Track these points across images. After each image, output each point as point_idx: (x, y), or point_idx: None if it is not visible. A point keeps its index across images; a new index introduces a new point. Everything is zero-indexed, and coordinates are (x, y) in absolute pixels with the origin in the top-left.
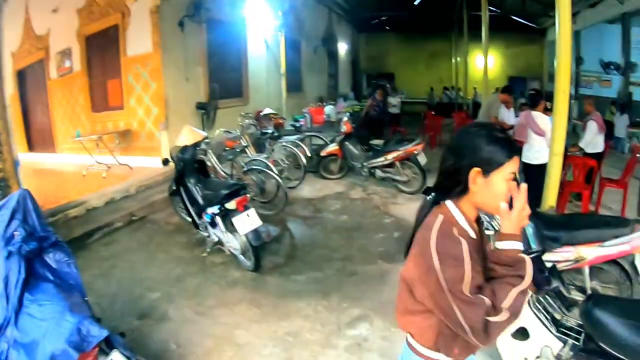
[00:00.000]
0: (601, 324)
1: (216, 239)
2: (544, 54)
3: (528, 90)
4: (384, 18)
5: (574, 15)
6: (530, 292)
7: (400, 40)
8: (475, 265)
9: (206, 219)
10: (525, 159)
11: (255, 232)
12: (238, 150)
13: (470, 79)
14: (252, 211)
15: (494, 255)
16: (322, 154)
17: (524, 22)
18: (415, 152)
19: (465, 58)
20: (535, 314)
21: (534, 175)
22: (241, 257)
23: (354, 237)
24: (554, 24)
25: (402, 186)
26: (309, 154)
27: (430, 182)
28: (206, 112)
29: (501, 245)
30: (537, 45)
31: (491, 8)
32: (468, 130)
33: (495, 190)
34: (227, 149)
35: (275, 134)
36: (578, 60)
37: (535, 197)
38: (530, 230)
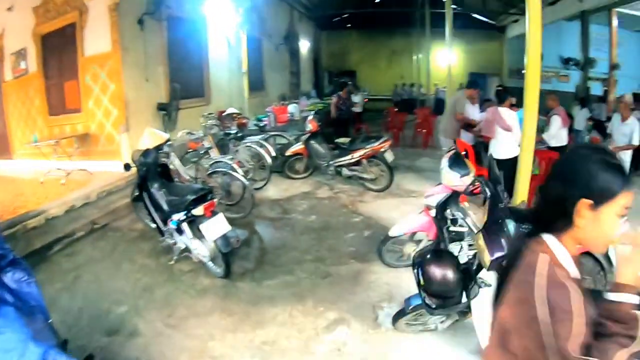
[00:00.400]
0: None
1: (183, 246)
2: (504, 50)
3: (494, 86)
4: (345, 16)
5: None
6: None
7: (361, 37)
8: (586, 318)
9: (172, 225)
10: (493, 154)
11: (225, 238)
12: (201, 152)
13: (432, 75)
14: (220, 216)
15: (605, 308)
16: (288, 153)
17: (484, 19)
18: (382, 149)
19: (427, 55)
20: None
21: (500, 169)
22: (210, 264)
23: (324, 238)
24: (513, 22)
25: (369, 184)
26: (273, 154)
27: (398, 179)
28: (167, 113)
29: (616, 297)
30: (497, 42)
31: (453, 6)
32: (579, 153)
33: (604, 227)
34: (190, 150)
35: (239, 134)
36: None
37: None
38: (512, 229)
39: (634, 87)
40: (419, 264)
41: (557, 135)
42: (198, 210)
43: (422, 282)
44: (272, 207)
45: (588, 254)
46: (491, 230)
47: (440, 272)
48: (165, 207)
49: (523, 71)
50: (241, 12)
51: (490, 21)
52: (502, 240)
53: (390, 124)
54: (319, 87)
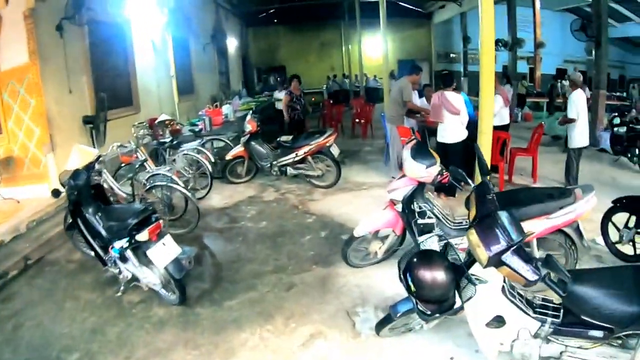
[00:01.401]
0: (583, 297)
1: (130, 276)
2: (431, 36)
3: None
4: (272, 11)
5: None
6: (504, 281)
7: (290, 32)
8: None
9: (114, 253)
10: (441, 139)
11: (176, 261)
12: (136, 165)
13: (364, 65)
14: (168, 239)
15: None
16: (228, 157)
17: (411, 7)
18: (327, 144)
19: (359, 45)
20: (510, 300)
21: (449, 154)
22: (163, 291)
23: (280, 244)
24: (440, 7)
25: (317, 181)
26: (213, 160)
27: (345, 172)
28: (95, 126)
29: None
30: (425, 29)
31: None
32: None
33: None
34: (123, 165)
35: (174, 142)
36: (465, 39)
37: (449, 184)
38: (505, 220)
39: (557, 63)
40: (407, 269)
41: (499, 114)
42: (142, 236)
43: (412, 288)
44: (219, 217)
45: (560, 230)
46: (484, 224)
47: (431, 276)
48: (104, 233)
49: (451, 55)
50: (166, 13)
51: (417, 9)
52: (498, 233)
53: (327, 116)
54: (248, 86)
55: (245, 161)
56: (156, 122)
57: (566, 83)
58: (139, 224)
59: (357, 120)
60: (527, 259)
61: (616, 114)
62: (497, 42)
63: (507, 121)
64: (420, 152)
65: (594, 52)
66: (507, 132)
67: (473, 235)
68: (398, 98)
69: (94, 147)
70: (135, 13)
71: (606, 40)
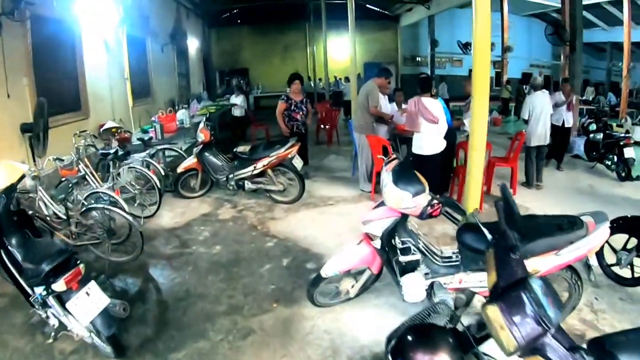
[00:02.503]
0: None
1: (57, 323)
2: (398, 39)
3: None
4: (235, 11)
5: (429, 0)
6: None
7: (253, 33)
8: None
9: (37, 297)
10: (418, 150)
11: (105, 314)
12: (74, 181)
13: (329, 68)
14: (93, 287)
15: None
16: (179, 169)
17: (378, 9)
18: (289, 156)
19: (324, 47)
20: None
21: (427, 167)
22: (97, 341)
23: (236, 276)
24: (407, 10)
25: (278, 196)
26: (163, 172)
27: (309, 184)
28: (34, 135)
29: None
30: (391, 32)
31: None
32: None
33: None
34: (63, 180)
35: (120, 152)
36: (433, 43)
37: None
38: (540, 293)
39: (524, 67)
40: (399, 349)
41: None
42: (59, 285)
43: None
44: (168, 240)
45: (569, 267)
46: (510, 299)
47: None
48: (20, 275)
49: (417, 58)
50: (120, 10)
51: (385, 11)
52: (531, 312)
53: None
54: (210, 89)
55: (199, 174)
56: (102, 129)
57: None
58: (55, 270)
59: (321, 125)
60: (571, 346)
61: (591, 119)
62: (466, 45)
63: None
64: (404, 175)
65: (567, 57)
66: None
67: (495, 312)
68: (365, 103)
69: (35, 159)
70: (86, 9)
71: (581, 45)
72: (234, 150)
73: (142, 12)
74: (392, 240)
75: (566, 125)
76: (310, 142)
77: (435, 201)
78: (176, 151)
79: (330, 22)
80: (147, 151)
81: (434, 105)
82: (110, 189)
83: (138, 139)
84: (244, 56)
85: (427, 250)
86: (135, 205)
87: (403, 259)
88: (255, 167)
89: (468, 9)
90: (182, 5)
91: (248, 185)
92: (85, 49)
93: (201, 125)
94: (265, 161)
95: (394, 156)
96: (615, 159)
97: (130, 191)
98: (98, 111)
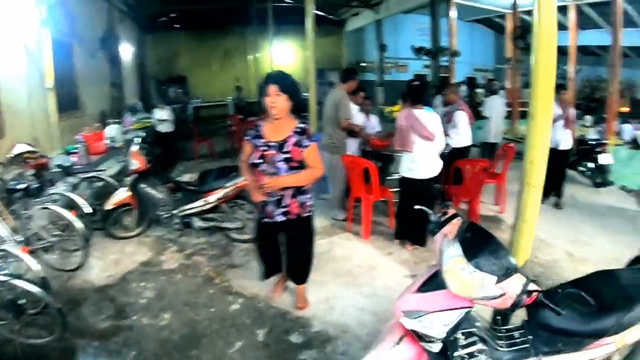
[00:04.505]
0: None
1: None
2: (343, 45)
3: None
4: (173, 15)
5: (378, 4)
6: None
7: (192, 39)
8: None
9: None
10: (407, 173)
11: None
12: None
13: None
14: None
15: None
16: (108, 206)
17: (323, 14)
18: None
19: (270, 53)
20: None
21: (420, 194)
22: None
23: None
24: (353, 15)
25: (236, 234)
26: (89, 209)
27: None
28: None
29: None
30: (336, 37)
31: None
32: None
33: None
34: None
35: (33, 185)
36: (382, 47)
37: (416, 229)
38: None
39: (467, 71)
40: None
41: (464, 134)
42: None
43: None
44: (100, 305)
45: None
46: None
47: None
48: None
49: (362, 64)
50: (43, 10)
51: (330, 16)
52: None
53: (237, 135)
54: (146, 99)
55: (134, 209)
56: (12, 154)
57: (479, 91)
58: None
59: None
60: None
61: None
62: (420, 49)
63: (470, 141)
64: (479, 245)
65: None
66: (486, 160)
67: None
68: (335, 116)
69: None
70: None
71: None
72: (176, 180)
73: (69, 13)
74: (454, 335)
75: (561, 148)
76: None
77: (532, 285)
78: (104, 180)
79: (274, 27)
80: (68, 183)
81: (430, 119)
82: (17, 244)
83: (57, 166)
84: (182, 63)
85: (487, 335)
86: (55, 256)
87: (462, 352)
88: (206, 200)
89: (413, 14)
90: (115, 7)
91: (197, 223)
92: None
93: (134, 148)
94: (219, 194)
95: (452, 211)
96: (590, 165)
97: (44, 237)
98: (16, 128)
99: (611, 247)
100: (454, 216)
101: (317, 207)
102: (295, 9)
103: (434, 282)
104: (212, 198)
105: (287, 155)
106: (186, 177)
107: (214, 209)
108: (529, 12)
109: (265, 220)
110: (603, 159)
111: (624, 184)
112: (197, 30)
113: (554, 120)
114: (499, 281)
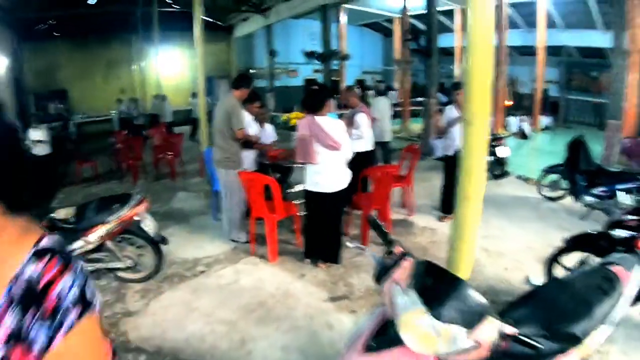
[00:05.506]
0: None
1: None
2: (232, 51)
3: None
4: (51, 22)
5: (268, 9)
6: None
7: (72, 48)
8: None
9: None
10: (313, 187)
11: None
12: None
13: (156, 85)
14: None
15: None
16: None
17: (210, 19)
18: (135, 217)
19: (155, 62)
20: None
21: (327, 210)
22: None
23: None
24: (242, 20)
25: (127, 274)
26: None
27: (175, 249)
28: None
29: None
30: (224, 43)
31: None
32: None
33: None
34: None
35: None
36: (272, 53)
37: (327, 245)
38: None
39: (356, 74)
40: None
41: (365, 137)
42: None
43: None
44: None
45: None
46: None
47: None
48: None
49: (252, 70)
50: None
51: (217, 21)
52: None
53: (122, 154)
54: (23, 116)
55: None
56: None
57: (370, 92)
58: None
59: (159, 155)
60: None
61: None
62: (312, 53)
63: (371, 147)
64: (437, 291)
65: (408, 62)
66: (396, 166)
67: None
68: (227, 127)
69: None
70: None
71: (436, 50)
72: (51, 216)
73: None
74: None
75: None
76: (149, 177)
77: (508, 329)
78: None
79: (160, 34)
80: None
81: (334, 126)
82: None
83: None
84: (62, 75)
85: None
86: None
87: None
88: (86, 241)
89: (303, 20)
90: None
91: None
92: None
93: None
94: (100, 231)
95: (400, 250)
96: (488, 158)
97: None
98: None
99: (522, 237)
100: (402, 256)
101: (215, 229)
102: (182, 14)
103: (386, 335)
104: (94, 237)
105: None
106: (62, 213)
107: (98, 248)
108: (418, 16)
109: None
110: (501, 151)
111: (520, 173)
112: (78, 38)
113: (452, 124)
114: (469, 331)
